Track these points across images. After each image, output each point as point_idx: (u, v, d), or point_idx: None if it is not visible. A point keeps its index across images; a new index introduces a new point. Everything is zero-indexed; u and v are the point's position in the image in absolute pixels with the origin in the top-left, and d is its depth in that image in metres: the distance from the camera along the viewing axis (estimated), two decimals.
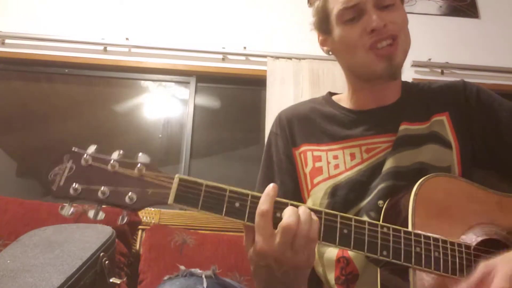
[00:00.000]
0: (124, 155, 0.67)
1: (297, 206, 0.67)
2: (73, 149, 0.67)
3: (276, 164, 1.01)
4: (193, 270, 0.68)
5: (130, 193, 0.65)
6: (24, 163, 2.73)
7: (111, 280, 1.10)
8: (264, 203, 0.64)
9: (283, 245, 0.63)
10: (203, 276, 0.66)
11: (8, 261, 1.05)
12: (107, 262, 1.09)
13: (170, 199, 0.65)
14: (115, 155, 0.67)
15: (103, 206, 0.67)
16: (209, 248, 1.73)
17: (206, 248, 1.73)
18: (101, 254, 1.08)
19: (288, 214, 0.64)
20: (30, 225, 1.53)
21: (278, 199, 0.67)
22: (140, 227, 1.89)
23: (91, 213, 0.66)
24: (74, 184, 0.65)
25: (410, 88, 1.01)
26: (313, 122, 1.00)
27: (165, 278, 0.69)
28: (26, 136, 2.71)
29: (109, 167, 0.66)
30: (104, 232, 1.17)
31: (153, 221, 1.92)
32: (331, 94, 1.09)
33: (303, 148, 0.98)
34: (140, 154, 0.67)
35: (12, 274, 0.99)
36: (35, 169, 2.69)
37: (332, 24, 0.94)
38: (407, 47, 0.93)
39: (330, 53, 1.01)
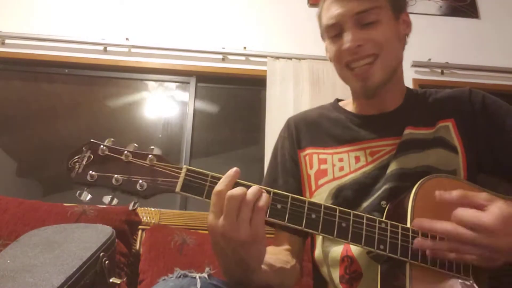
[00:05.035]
0: (138, 148, 0.74)
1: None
2: (91, 140, 0.74)
3: (280, 165, 1.03)
4: (188, 271, 0.69)
5: (141, 181, 0.71)
6: (24, 163, 2.74)
7: (111, 280, 1.10)
8: (220, 184, 0.68)
9: (229, 216, 0.64)
10: (197, 277, 0.67)
11: (8, 261, 1.05)
12: (107, 262, 1.09)
13: (178, 188, 0.70)
14: (130, 147, 0.73)
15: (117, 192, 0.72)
16: (209, 248, 1.73)
17: (206, 248, 1.73)
18: (101, 254, 1.08)
19: (236, 188, 0.67)
20: (30, 225, 1.53)
21: (241, 181, 0.70)
22: (140, 227, 1.89)
23: (106, 199, 0.72)
24: (91, 171, 0.71)
25: (415, 95, 1.03)
26: (320, 127, 1.03)
27: (160, 279, 0.70)
28: (26, 136, 2.71)
29: (123, 157, 0.72)
30: (104, 232, 1.17)
31: (153, 221, 1.92)
32: (338, 100, 1.12)
33: (309, 151, 1.00)
34: (153, 147, 0.74)
35: (12, 274, 0.99)
36: (36, 169, 2.69)
37: (324, 36, 1.00)
38: (390, 63, 0.94)
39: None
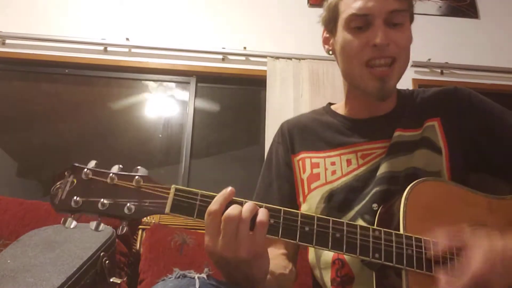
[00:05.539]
0: (123, 169, 0.70)
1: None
2: (74, 164, 0.70)
3: (275, 170, 1.02)
4: (187, 272, 0.69)
5: (128, 204, 0.68)
6: (24, 163, 2.74)
7: (111, 280, 1.11)
8: (214, 204, 0.65)
9: (227, 237, 0.63)
10: (196, 277, 0.67)
11: (9, 261, 1.05)
12: (107, 261, 1.09)
13: (167, 209, 0.67)
14: (114, 169, 0.70)
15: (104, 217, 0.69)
16: None
17: None
18: (102, 253, 1.09)
19: (231, 207, 0.65)
20: (30, 225, 1.54)
21: (235, 198, 0.67)
22: (140, 227, 1.89)
23: (92, 225, 0.69)
24: (75, 197, 0.68)
25: (404, 97, 1.02)
26: (313, 131, 1.02)
27: (159, 280, 0.70)
28: (27, 136, 2.71)
29: (108, 180, 0.69)
30: (105, 232, 1.18)
31: (153, 221, 1.92)
32: (330, 104, 1.10)
33: (302, 155, 0.99)
34: (139, 167, 0.70)
35: (13, 274, 0.99)
36: (36, 169, 2.69)
37: (338, 27, 0.94)
38: (404, 69, 0.93)
39: (331, 52, 1.01)
